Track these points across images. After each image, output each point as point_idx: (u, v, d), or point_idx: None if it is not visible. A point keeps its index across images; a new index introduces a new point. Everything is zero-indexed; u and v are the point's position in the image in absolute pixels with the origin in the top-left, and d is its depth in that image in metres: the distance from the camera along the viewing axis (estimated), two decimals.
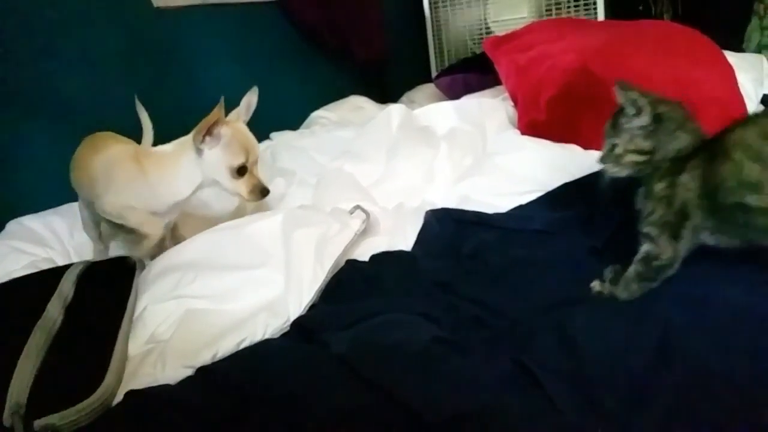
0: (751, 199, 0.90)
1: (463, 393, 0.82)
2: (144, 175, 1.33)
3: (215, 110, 1.23)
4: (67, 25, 1.85)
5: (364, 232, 1.33)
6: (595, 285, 1.05)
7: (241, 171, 1.31)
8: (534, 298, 1.06)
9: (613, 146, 1.05)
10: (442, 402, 0.81)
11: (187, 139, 1.32)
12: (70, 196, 1.75)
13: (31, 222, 1.67)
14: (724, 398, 0.77)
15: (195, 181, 1.34)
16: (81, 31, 1.89)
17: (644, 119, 1.00)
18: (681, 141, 1.00)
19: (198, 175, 1.33)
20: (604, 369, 0.84)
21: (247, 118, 1.38)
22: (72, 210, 1.74)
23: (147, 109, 1.55)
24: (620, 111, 1.04)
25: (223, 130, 1.28)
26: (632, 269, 1.01)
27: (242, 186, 1.32)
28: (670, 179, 0.99)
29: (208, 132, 1.26)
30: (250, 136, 1.35)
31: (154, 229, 1.35)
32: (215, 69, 2.26)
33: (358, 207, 1.39)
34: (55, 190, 1.78)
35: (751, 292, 0.94)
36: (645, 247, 1.01)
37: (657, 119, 1.00)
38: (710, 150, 0.96)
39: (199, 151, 1.29)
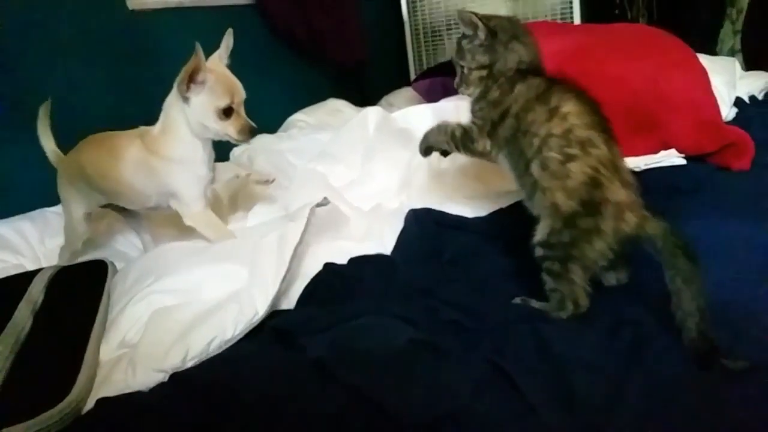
0: (524, 142, 1.04)
1: (441, 396, 0.82)
2: (158, 155, 1.36)
3: (193, 57, 1.25)
4: (41, 27, 1.82)
5: (339, 234, 1.32)
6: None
7: (227, 112, 1.33)
8: (511, 305, 1.07)
9: (462, 69, 1.16)
10: (420, 405, 0.80)
11: (170, 97, 1.36)
12: (41, 201, 1.72)
13: (0, 228, 1.63)
14: (696, 398, 0.78)
15: (194, 130, 1.36)
16: (55, 33, 1.86)
17: (480, 35, 1.11)
18: (518, 53, 1.11)
19: (189, 124, 1.35)
20: (580, 372, 0.84)
21: (227, 60, 1.40)
22: (43, 216, 1.71)
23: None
24: (462, 36, 1.15)
25: (207, 75, 1.30)
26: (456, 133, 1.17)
27: (230, 127, 1.35)
28: (506, 87, 1.10)
29: (192, 79, 1.29)
30: (234, 78, 1.37)
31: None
32: None
33: (324, 198, 1.37)
34: (26, 194, 1.75)
35: (725, 291, 0.96)
36: (469, 124, 1.15)
37: (491, 33, 1.10)
38: (547, 86, 1.06)
39: (185, 100, 1.32)
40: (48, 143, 1.53)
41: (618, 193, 0.96)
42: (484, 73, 1.13)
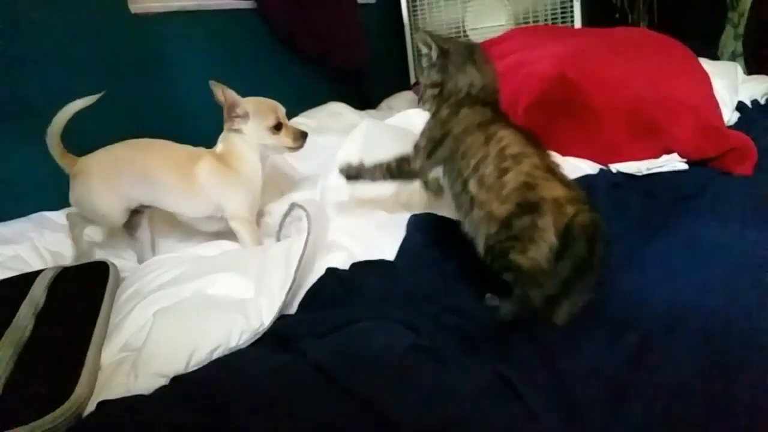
0: (461, 164, 1.08)
1: (442, 403, 0.81)
2: (228, 166, 1.52)
3: (225, 102, 1.45)
4: (43, 30, 1.82)
5: (335, 242, 1.33)
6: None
7: (278, 127, 1.53)
8: None
9: (422, 85, 1.22)
10: (421, 412, 0.80)
11: (225, 132, 1.54)
12: (43, 203, 1.72)
13: (2, 229, 1.61)
14: (698, 404, 0.77)
15: (256, 152, 1.54)
16: (56, 36, 1.86)
17: (433, 54, 1.17)
18: (470, 75, 1.15)
19: (252, 149, 1.53)
20: (581, 378, 0.84)
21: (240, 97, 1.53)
22: (45, 217, 1.70)
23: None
24: (422, 54, 1.21)
25: (246, 105, 1.49)
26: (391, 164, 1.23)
27: (284, 138, 1.55)
28: (454, 109, 1.14)
29: (233, 115, 1.47)
30: (270, 100, 1.56)
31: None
32: (193, 75, 2.23)
33: (294, 205, 1.41)
34: (28, 196, 1.74)
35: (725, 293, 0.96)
36: (403, 152, 1.21)
37: (444, 54, 1.16)
38: (492, 118, 1.11)
39: (238, 131, 1.51)
40: (57, 149, 1.49)
41: (556, 190, 0.97)
42: (436, 91, 1.18)
